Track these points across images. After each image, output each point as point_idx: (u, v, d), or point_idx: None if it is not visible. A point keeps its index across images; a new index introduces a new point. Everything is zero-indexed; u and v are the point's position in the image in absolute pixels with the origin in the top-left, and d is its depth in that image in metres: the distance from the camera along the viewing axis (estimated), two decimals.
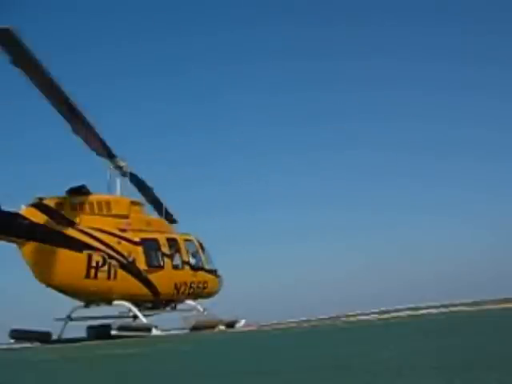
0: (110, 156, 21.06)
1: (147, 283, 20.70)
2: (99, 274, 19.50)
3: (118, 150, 21.23)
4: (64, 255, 18.85)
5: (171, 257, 21.72)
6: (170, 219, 24.59)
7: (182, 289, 21.83)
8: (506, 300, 18.47)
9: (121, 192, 21.71)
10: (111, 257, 19.83)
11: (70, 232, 19.23)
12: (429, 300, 22.96)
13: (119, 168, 21.57)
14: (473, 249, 49.45)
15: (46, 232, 18.71)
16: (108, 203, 20.65)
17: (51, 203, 19.30)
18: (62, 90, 17.22)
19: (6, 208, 18.26)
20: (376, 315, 18.40)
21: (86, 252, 19.29)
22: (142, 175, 22.45)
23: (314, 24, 62.35)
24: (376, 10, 63.90)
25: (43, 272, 18.66)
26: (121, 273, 20.01)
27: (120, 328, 18.33)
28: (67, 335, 20.58)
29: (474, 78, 60.05)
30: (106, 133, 19.79)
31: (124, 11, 59.55)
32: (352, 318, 18.34)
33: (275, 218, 52.77)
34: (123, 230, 20.57)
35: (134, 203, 21.59)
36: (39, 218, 18.77)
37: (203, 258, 23.04)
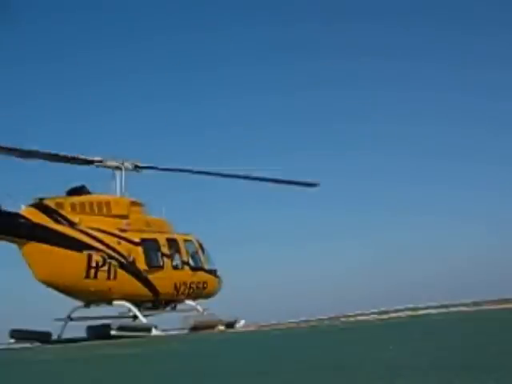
0: (88, 162, 21.23)
1: (147, 283, 20.70)
2: (99, 274, 19.49)
3: (118, 150, 21.39)
4: (64, 255, 18.85)
5: (171, 257, 21.70)
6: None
7: (182, 289, 21.81)
8: (506, 300, 18.45)
9: (121, 192, 21.70)
10: (111, 257, 19.83)
11: (70, 232, 19.23)
12: (428, 300, 22.93)
13: (118, 168, 21.56)
14: (473, 249, 49.39)
15: (46, 232, 18.71)
16: (108, 203, 20.65)
17: (51, 203, 19.30)
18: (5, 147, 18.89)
19: (6, 208, 18.27)
20: (375, 315, 18.39)
21: (85, 252, 19.28)
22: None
23: (315, 23, 62.34)
24: (376, 9, 63.92)
25: (43, 272, 18.63)
26: (121, 273, 20.00)
27: (120, 328, 18.32)
28: (67, 335, 20.59)
29: (473, 79, 60.08)
30: (105, 131, 19.87)
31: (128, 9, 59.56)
32: (351, 319, 18.34)
33: (275, 219, 52.72)
34: (123, 230, 20.56)
35: (133, 203, 21.57)
36: (39, 217, 18.77)
37: (203, 258, 23.00)
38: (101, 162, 21.37)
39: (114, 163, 21.47)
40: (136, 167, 21.97)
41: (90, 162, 21.28)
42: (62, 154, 20.43)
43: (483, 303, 18.42)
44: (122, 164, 21.59)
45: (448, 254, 48.36)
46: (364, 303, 32.95)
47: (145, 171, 22.44)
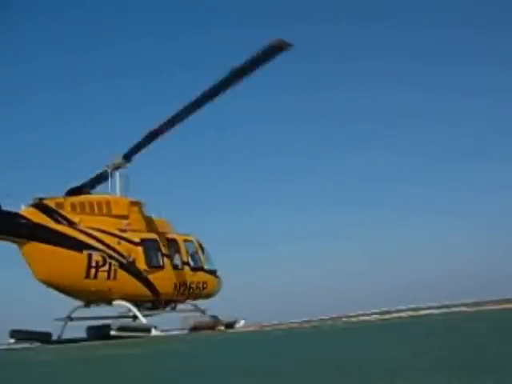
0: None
1: (147, 283, 20.70)
2: (99, 274, 19.49)
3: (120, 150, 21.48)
4: (64, 255, 18.84)
5: (171, 257, 21.72)
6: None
7: (182, 289, 21.82)
8: (506, 300, 18.42)
9: (121, 192, 21.69)
10: (111, 257, 19.84)
11: (70, 232, 19.23)
12: (429, 300, 22.93)
13: (117, 168, 21.56)
14: (473, 249, 49.44)
15: (46, 232, 18.71)
16: (108, 203, 20.66)
17: (51, 203, 19.31)
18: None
19: (6, 208, 18.26)
20: (377, 315, 18.37)
21: (86, 252, 19.29)
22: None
23: (317, 24, 62.37)
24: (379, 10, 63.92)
25: (43, 272, 18.64)
26: (121, 273, 20.01)
27: (120, 328, 18.32)
28: (67, 335, 20.59)
29: (472, 79, 60.09)
30: (105, 133, 19.85)
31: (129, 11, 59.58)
32: (353, 319, 18.32)
33: (276, 219, 52.79)
34: (123, 230, 20.57)
35: (133, 203, 21.56)
36: (39, 217, 18.77)
37: (203, 258, 23.03)
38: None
39: (119, 161, 21.41)
40: (125, 157, 21.58)
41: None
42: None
43: (484, 303, 18.39)
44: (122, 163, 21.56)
45: (449, 254, 48.43)
46: (366, 303, 33.01)
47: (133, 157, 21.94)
